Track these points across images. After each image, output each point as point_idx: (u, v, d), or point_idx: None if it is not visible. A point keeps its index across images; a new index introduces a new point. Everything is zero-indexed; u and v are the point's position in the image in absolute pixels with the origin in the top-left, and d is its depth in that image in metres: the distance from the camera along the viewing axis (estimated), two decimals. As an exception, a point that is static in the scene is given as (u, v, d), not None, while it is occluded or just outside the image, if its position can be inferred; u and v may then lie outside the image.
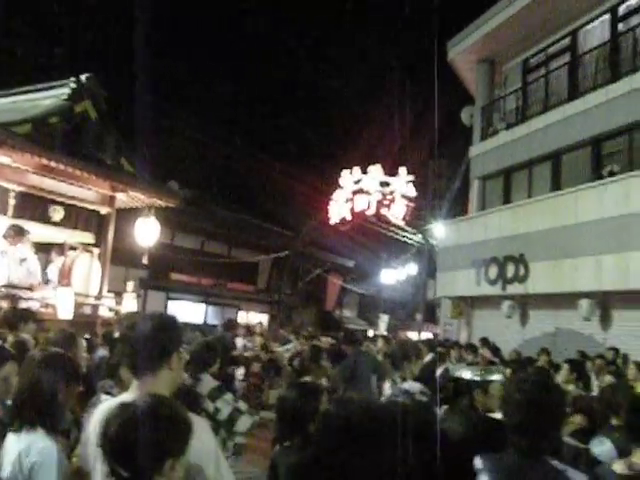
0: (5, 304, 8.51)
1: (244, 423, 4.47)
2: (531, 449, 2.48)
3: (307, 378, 5.81)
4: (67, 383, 2.92)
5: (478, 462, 2.54)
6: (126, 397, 2.39)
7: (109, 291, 10.86)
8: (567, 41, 15.88)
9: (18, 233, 9.10)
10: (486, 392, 4.01)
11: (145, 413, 1.92)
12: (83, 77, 10.07)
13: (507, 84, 18.14)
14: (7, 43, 17.91)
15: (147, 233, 10.81)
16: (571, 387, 7.39)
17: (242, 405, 4.69)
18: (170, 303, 23.15)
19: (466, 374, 4.17)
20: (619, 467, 3.20)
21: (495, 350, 11.36)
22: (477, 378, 4.05)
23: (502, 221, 15.51)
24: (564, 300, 13.56)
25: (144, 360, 2.42)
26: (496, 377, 4.12)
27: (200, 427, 2.25)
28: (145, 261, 11.49)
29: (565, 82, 15.45)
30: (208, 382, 4.59)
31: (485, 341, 12.41)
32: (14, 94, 10.54)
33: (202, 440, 2.24)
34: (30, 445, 2.63)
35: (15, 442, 2.70)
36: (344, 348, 7.31)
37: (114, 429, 1.89)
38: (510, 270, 14.73)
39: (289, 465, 2.93)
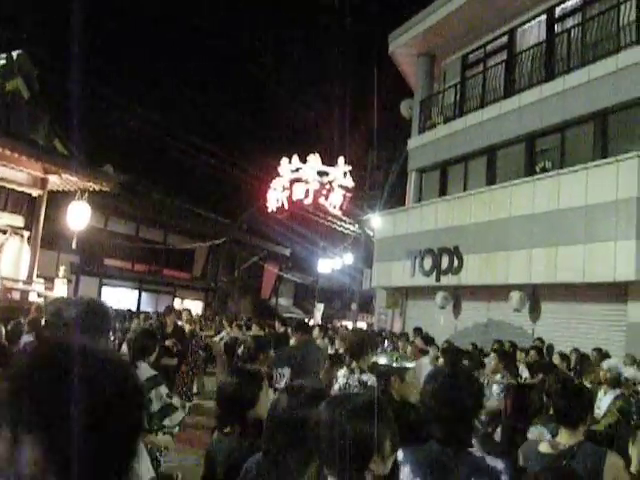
0: None
1: (176, 418, 4.44)
2: (450, 439, 2.50)
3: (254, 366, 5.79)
4: None
5: (399, 454, 2.55)
6: None
7: (39, 276, 10.59)
8: (505, 39, 16.19)
9: None
10: (402, 379, 4.05)
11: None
12: (14, 53, 9.76)
13: (446, 79, 18.38)
14: None
15: (79, 217, 10.55)
16: (498, 376, 7.59)
17: (175, 400, 4.64)
18: (104, 289, 22.72)
19: (382, 360, 4.20)
20: (544, 447, 3.34)
21: (427, 340, 11.53)
22: (394, 364, 4.09)
23: (438, 213, 15.73)
24: (496, 292, 13.88)
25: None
26: (411, 364, 4.17)
27: None
28: (74, 245, 11.22)
29: (502, 79, 15.75)
30: (145, 370, 4.52)
31: (418, 331, 12.59)
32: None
33: None
34: None
35: None
36: (294, 336, 7.30)
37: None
38: (444, 262, 14.97)
39: (229, 451, 2.91)
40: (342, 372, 5.18)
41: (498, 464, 2.46)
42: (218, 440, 3.14)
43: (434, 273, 15.34)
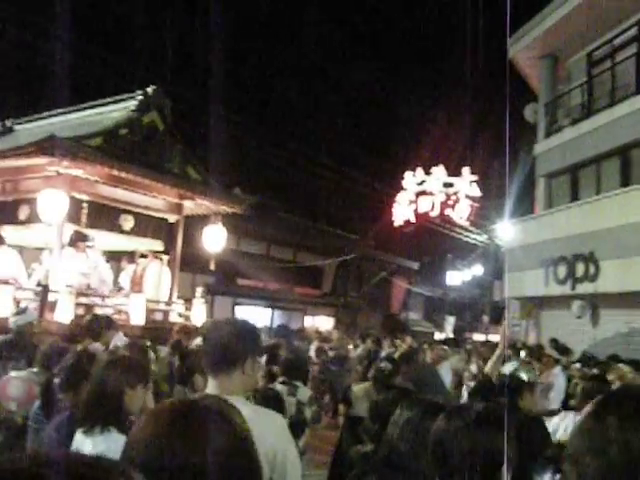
0: (81, 310, 8.83)
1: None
2: None
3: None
4: (132, 385, 3.05)
5: None
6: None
7: (178, 297, 11.11)
8: (634, 31, 15.43)
9: (80, 239, 9.42)
10: (531, 393, 3.92)
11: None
12: (149, 89, 10.36)
13: (571, 79, 17.76)
14: (79, 62, 18.52)
15: (214, 239, 11.00)
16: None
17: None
18: (237, 308, 23.46)
19: (512, 371, 4.08)
20: None
21: (564, 350, 11.11)
22: (524, 377, 3.97)
23: (570, 219, 15.19)
24: (637, 299, 13.20)
25: (219, 362, 2.56)
26: (540, 378, 4.04)
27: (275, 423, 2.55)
28: (212, 267, 11.69)
29: (633, 74, 15.04)
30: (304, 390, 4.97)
31: (554, 341, 12.19)
32: (86, 108, 10.95)
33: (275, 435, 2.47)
34: (109, 445, 2.73)
35: (90, 443, 2.83)
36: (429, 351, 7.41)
37: None
38: (580, 269, 14.41)
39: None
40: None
41: None
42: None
43: (569, 281, 14.80)
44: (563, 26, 16.35)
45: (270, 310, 25.00)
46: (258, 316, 23.63)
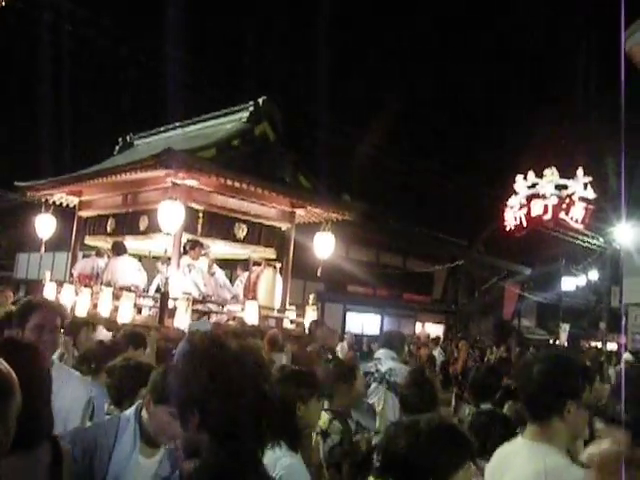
0: (197, 317, 9.10)
1: None
2: None
3: None
4: (305, 399, 3.03)
5: None
6: (520, 441, 2.43)
7: (290, 304, 11.25)
8: None
9: (194, 246, 9.71)
10: None
11: None
12: (260, 100, 10.58)
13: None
14: (192, 79, 19.21)
15: (324, 246, 11.09)
16: None
17: None
18: (348, 315, 23.58)
19: None
20: None
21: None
22: None
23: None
24: None
25: (536, 406, 2.36)
26: None
27: None
28: (319, 274, 11.78)
29: None
30: None
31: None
32: (200, 121, 11.34)
33: None
34: (275, 461, 2.72)
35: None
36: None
37: None
38: None
39: None
40: None
41: None
42: None
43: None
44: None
45: (380, 317, 24.95)
46: (368, 322, 23.66)
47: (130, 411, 2.72)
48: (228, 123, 10.80)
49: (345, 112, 25.10)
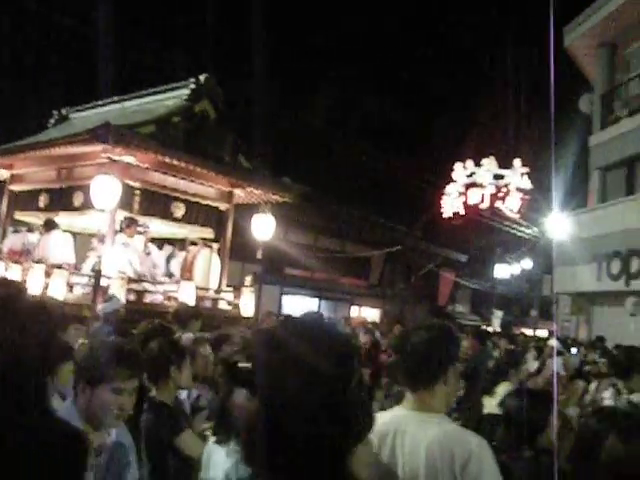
0: (132, 297, 8.94)
1: None
2: None
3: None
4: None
5: None
6: (400, 411, 2.43)
7: (227, 285, 11.17)
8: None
9: (130, 224, 9.53)
10: None
11: None
12: (202, 77, 10.40)
13: (629, 69, 17.28)
14: (132, 53, 18.74)
15: (263, 228, 11.03)
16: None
17: None
18: (284, 298, 23.55)
19: None
20: None
21: (603, 352, 10.67)
22: None
23: (625, 213, 14.82)
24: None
25: (418, 374, 2.38)
26: None
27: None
28: (259, 256, 11.71)
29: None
30: None
31: (600, 340, 12.00)
32: (139, 97, 11.07)
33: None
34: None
35: (224, 455, 2.78)
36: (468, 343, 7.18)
37: None
38: (634, 265, 14.08)
39: (524, 474, 2.87)
40: (607, 393, 4.95)
41: None
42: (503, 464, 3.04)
43: (623, 277, 14.46)
44: (621, 14, 15.91)
45: (317, 300, 25.04)
46: (305, 306, 23.69)
47: (65, 407, 2.57)
48: (168, 100, 10.58)
49: (289, 94, 24.90)
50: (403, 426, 2.31)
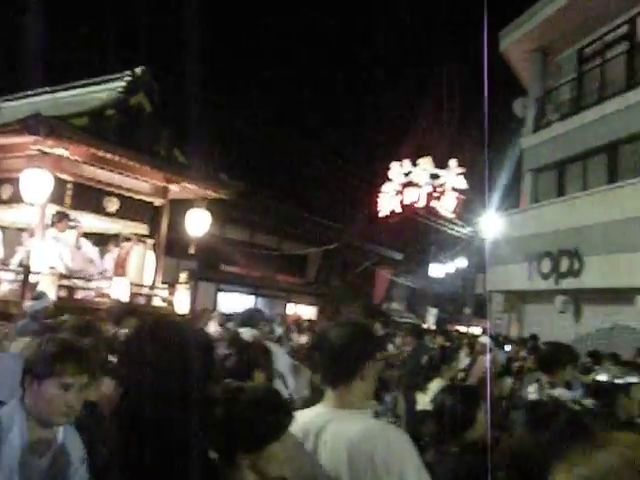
0: (63, 293, 8.71)
1: None
2: None
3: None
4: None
5: None
6: (321, 409, 2.41)
7: (162, 282, 11.00)
8: (625, 29, 15.44)
9: (61, 219, 9.28)
10: (628, 396, 3.88)
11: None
12: (138, 70, 10.20)
13: (561, 74, 17.75)
14: (65, 43, 18.26)
15: (199, 224, 10.90)
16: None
17: None
18: (220, 295, 23.37)
19: (602, 377, 4.01)
20: None
21: (533, 349, 10.89)
22: (616, 380, 3.91)
23: (556, 214, 15.22)
24: (620, 295, 13.25)
25: (337, 371, 2.38)
26: (635, 379, 3.97)
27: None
28: (193, 252, 11.59)
29: (622, 71, 15.05)
30: None
31: (533, 338, 12.27)
32: (72, 88, 10.75)
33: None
34: None
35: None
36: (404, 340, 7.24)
37: None
38: (564, 264, 14.46)
39: (448, 470, 2.89)
40: (532, 388, 5.03)
41: None
42: (432, 459, 3.04)
43: (553, 276, 14.85)
44: (555, 21, 16.33)
45: (253, 297, 24.92)
46: (241, 303, 23.53)
47: (10, 406, 2.46)
48: (102, 92, 10.30)
49: (227, 90, 24.67)
50: (324, 424, 2.31)
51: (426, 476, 2.16)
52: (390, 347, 10.77)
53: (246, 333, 5.65)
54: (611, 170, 14.89)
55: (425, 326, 22.26)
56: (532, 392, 4.88)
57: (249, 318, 6.09)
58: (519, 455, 1.71)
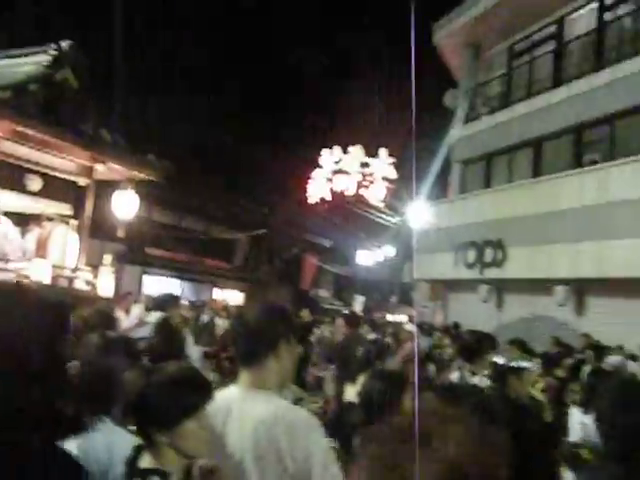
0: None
1: None
2: (635, 461, 2.17)
3: None
4: None
5: (569, 476, 2.35)
6: (234, 389, 2.40)
7: (86, 264, 10.70)
8: (553, 29, 15.87)
9: None
10: (520, 379, 3.99)
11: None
12: (64, 44, 9.82)
13: (492, 69, 18.12)
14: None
15: (125, 206, 10.63)
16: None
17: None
18: (145, 278, 22.95)
19: (499, 359, 4.15)
20: None
21: (455, 337, 11.12)
22: (511, 364, 4.04)
23: (482, 206, 15.56)
24: (541, 286, 13.66)
25: (251, 350, 2.37)
26: (528, 364, 4.11)
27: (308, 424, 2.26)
28: (121, 234, 11.31)
29: (550, 69, 15.47)
30: None
31: (455, 326, 12.57)
32: (-6, 58, 10.28)
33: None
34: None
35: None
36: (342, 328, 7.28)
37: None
38: (488, 254, 14.81)
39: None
40: (454, 375, 5.11)
41: None
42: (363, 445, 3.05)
43: (477, 266, 15.18)
44: (487, 17, 16.63)
45: (179, 281, 24.56)
46: (167, 287, 23.18)
47: None
48: (26, 65, 9.88)
49: (156, 71, 24.12)
50: (233, 404, 2.31)
51: (333, 459, 2.17)
52: (316, 333, 10.84)
53: (156, 316, 5.57)
54: (536, 164, 15.31)
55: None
56: (454, 380, 4.99)
57: (162, 302, 5.99)
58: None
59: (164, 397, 2.05)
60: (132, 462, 2.09)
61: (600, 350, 8.66)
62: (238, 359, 2.43)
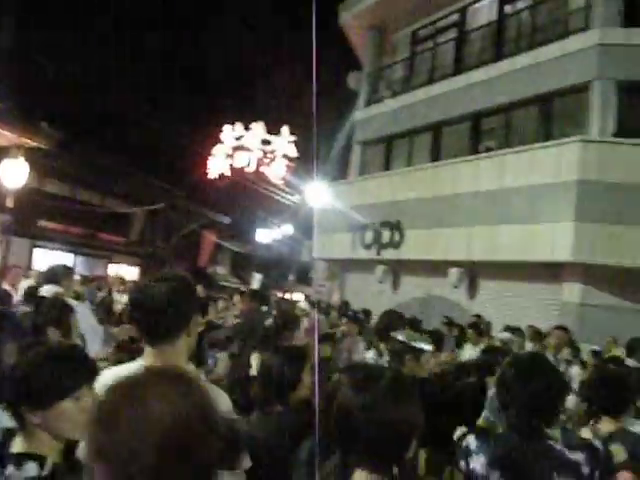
0: None
1: None
2: (530, 430, 2.40)
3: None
4: None
5: (472, 443, 2.46)
6: (138, 365, 2.23)
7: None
8: (456, 17, 16.20)
9: None
10: (417, 360, 4.01)
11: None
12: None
13: (396, 53, 18.32)
14: None
15: (14, 174, 10.14)
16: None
17: None
18: (35, 251, 22.05)
19: (400, 336, 4.14)
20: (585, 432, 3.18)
21: (345, 315, 11.35)
22: (412, 343, 4.05)
23: (381, 187, 15.76)
24: (436, 268, 14.04)
25: (160, 329, 2.23)
26: (428, 347, 4.12)
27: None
28: (10, 204, 10.81)
29: (451, 57, 15.80)
30: None
31: (344, 305, 12.82)
32: None
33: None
34: None
35: None
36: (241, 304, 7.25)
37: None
38: (386, 236, 15.04)
39: (271, 431, 2.88)
40: (370, 355, 5.12)
41: (578, 456, 2.37)
42: (258, 420, 3.06)
43: (375, 247, 15.40)
44: (393, 1, 16.74)
45: (72, 255, 23.73)
46: (59, 261, 22.33)
47: None
48: None
49: (50, 38, 23.03)
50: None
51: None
52: (210, 310, 10.73)
53: (50, 290, 5.33)
54: (435, 149, 15.66)
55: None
56: (370, 358, 5.06)
57: (52, 274, 5.73)
58: (343, 413, 1.74)
59: (37, 374, 1.92)
60: (2, 446, 1.96)
61: (478, 328, 9.02)
62: (143, 336, 2.30)
